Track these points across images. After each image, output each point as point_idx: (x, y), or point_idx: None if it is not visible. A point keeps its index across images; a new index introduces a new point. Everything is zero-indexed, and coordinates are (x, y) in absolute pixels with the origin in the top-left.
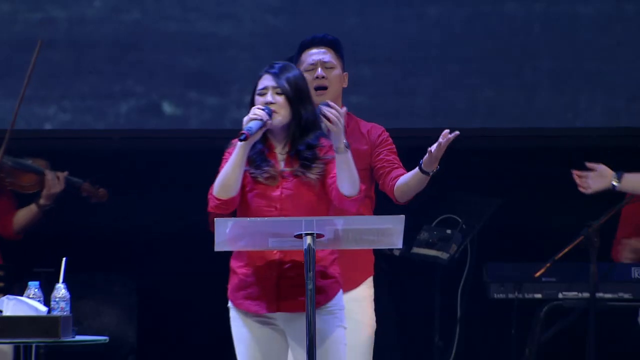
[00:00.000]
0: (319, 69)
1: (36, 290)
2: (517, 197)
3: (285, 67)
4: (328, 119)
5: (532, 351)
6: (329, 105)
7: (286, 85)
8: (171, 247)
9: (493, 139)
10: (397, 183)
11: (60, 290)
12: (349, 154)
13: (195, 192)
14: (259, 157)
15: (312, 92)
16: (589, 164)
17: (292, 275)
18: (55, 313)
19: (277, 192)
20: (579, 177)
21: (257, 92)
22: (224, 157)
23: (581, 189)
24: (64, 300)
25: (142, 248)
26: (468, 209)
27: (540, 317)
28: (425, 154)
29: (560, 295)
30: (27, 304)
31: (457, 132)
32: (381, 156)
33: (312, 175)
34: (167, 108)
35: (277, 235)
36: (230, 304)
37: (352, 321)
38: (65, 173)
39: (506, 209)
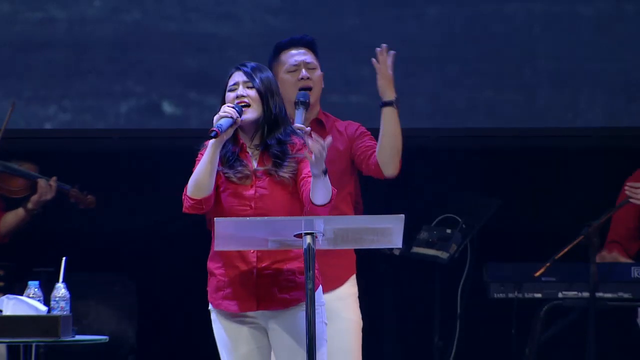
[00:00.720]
0: (303, 70)
1: (36, 289)
2: (517, 197)
3: (257, 66)
4: (310, 151)
5: (532, 351)
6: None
7: (257, 80)
8: (171, 247)
9: (493, 139)
10: (376, 152)
11: (60, 289)
12: (326, 177)
13: None
14: (231, 156)
15: (296, 92)
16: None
17: (270, 273)
18: (55, 313)
19: (251, 192)
20: (633, 188)
21: (228, 88)
22: (196, 158)
23: (633, 200)
24: (64, 300)
25: (142, 248)
26: (468, 209)
27: (540, 316)
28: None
29: (560, 295)
30: (27, 304)
31: (393, 52)
32: (361, 144)
33: (285, 174)
34: (167, 108)
35: (276, 235)
36: (210, 307)
37: (340, 319)
38: (55, 179)
39: (506, 209)
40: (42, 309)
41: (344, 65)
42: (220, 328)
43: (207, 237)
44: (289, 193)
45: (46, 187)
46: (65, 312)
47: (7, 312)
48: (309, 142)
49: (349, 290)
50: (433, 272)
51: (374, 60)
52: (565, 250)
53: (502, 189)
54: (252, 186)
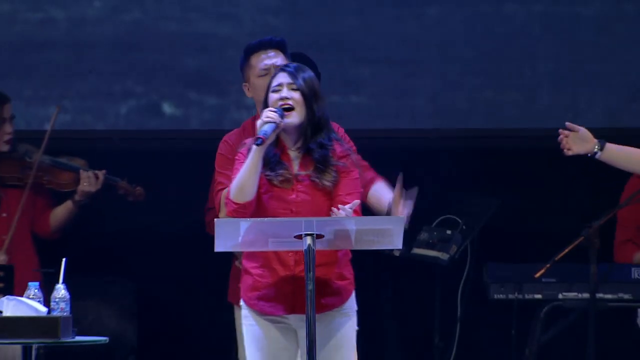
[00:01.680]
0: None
1: (36, 290)
2: (517, 197)
3: (300, 66)
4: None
5: (532, 351)
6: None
7: (301, 82)
8: (171, 248)
9: (493, 139)
10: (368, 198)
11: (60, 290)
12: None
13: (195, 193)
14: (273, 159)
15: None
16: (568, 124)
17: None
18: (55, 313)
19: (292, 195)
20: (564, 137)
21: (272, 89)
22: (237, 158)
23: (564, 149)
24: (63, 301)
25: (142, 248)
26: (468, 209)
27: (540, 317)
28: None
29: (560, 296)
30: (27, 305)
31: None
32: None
33: (327, 182)
34: (167, 108)
35: (277, 236)
36: (242, 304)
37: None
38: (104, 172)
39: (506, 209)
40: (42, 310)
41: (343, 65)
42: (251, 325)
43: (206, 237)
44: (329, 200)
45: (87, 178)
46: (65, 313)
47: (7, 313)
48: (335, 211)
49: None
50: (433, 273)
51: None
52: (566, 251)
53: (502, 189)
54: (293, 190)
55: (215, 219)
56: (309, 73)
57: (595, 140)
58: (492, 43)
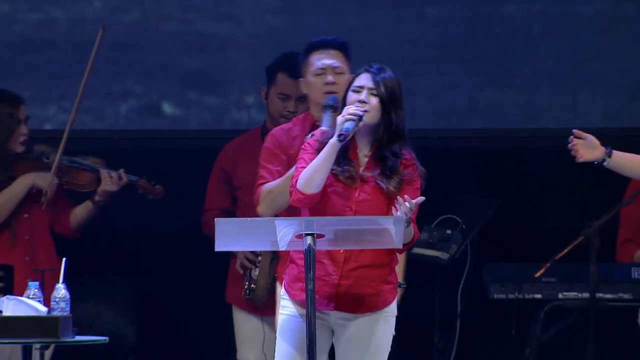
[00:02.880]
0: (329, 75)
1: (36, 290)
2: (517, 197)
3: (383, 69)
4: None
5: (532, 351)
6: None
7: (382, 88)
8: (171, 248)
9: (493, 139)
10: None
11: (60, 290)
12: (410, 226)
13: (195, 192)
14: (341, 154)
15: (322, 96)
16: (576, 131)
17: (354, 276)
18: (55, 313)
19: (355, 194)
20: (575, 144)
21: (353, 88)
22: (303, 147)
23: (575, 156)
24: (63, 301)
25: (142, 248)
26: (468, 209)
27: (540, 317)
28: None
29: (560, 296)
30: (27, 304)
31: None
32: None
33: (392, 187)
34: (167, 108)
35: (277, 236)
36: (283, 293)
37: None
38: (121, 170)
39: (506, 209)
40: (42, 309)
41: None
42: (289, 315)
43: (207, 237)
44: (388, 204)
45: (109, 178)
46: (65, 313)
47: (7, 312)
48: (400, 200)
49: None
50: (433, 272)
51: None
52: (566, 250)
53: (502, 189)
54: (356, 189)
55: (215, 219)
56: (392, 81)
57: (603, 148)
58: (492, 43)
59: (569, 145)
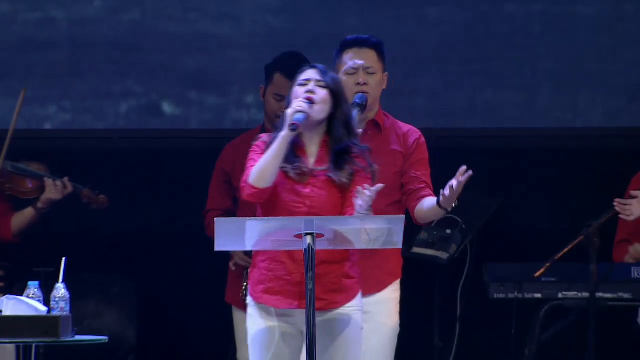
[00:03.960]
0: (361, 75)
1: (36, 290)
2: (517, 197)
3: (328, 68)
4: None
5: (532, 351)
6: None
7: (329, 81)
8: (171, 247)
9: (493, 139)
10: (416, 207)
11: (60, 290)
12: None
13: (195, 192)
14: (290, 152)
15: (352, 95)
16: (632, 192)
17: (316, 273)
18: (55, 313)
19: (307, 190)
20: (621, 205)
21: (299, 82)
22: (251, 150)
23: (623, 217)
24: (63, 300)
25: (142, 248)
26: (468, 209)
27: (540, 317)
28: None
29: (560, 295)
30: (26, 304)
31: (471, 172)
32: (410, 172)
33: (344, 179)
34: (167, 108)
35: (277, 235)
36: (249, 300)
37: (375, 323)
38: (66, 179)
39: (506, 209)
40: (42, 309)
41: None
42: (256, 322)
43: (206, 237)
44: (342, 197)
45: (54, 187)
46: (65, 313)
47: (6, 312)
48: (359, 189)
49: (391, 294)
50: (433, 272)
51: (443, 192)
52: (565, 250)
53: (502, 189)
54: (308, 184)
55: (215, 219)
56: (337, 77)
57: None
58: (492, 43)
59: (615, 208)
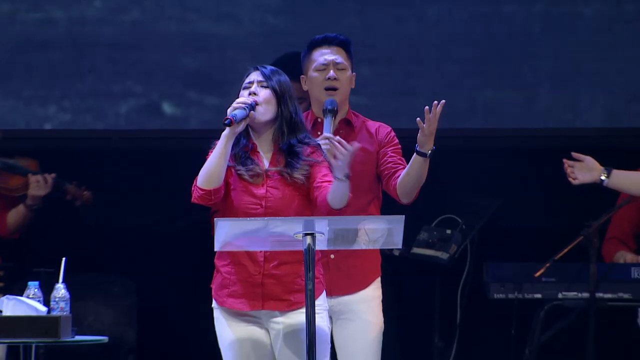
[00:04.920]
0: (331, 70)
1: (36, 290)
2: (517, 197)
3: (275, 70)
4: (334, 156)
5: (532, 351)
6: (336, 141)
7: (273, 81)
8: (171, 247)
9: (493, 139)
10: (398, 180)
11: (60, 290)
12: (347, 182)
13: None
14: (243, 154)
15: (322, 91)
16: (574, 154)
17: (277, 274)
18: (55, 313)
19: (262, 191)
20: (569, 166)
21: (243, 86)
22: (207, 155)
23: (570, 179)
24: (63, 300)
25: (142, 248)
26: (468, 209)
27: (540, 317)
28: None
29: (560, 295)
30: (26, 304)
31: (444, 101)
32: (386, 157)
33: (298, 176)
34: (167, 108)
35: (277, 235)
36: (214, 304)
37: (361, 321)
38: (53, 175)
39: (506, 209)
40: (42, 309)
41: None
42: (224, 326)
43: (206, 236)
44: (299, 195)
45: (36, 183)
46: (65, 313)
47: (6, 312)
48: (335, 144)
49: (373, 292)
50: (433, 272)
51: (419, 120)
52: (565, 250)
53: (502, 189)
54: (263, 185)
55: (215, 219)
56: (284, 77)
57: (601, 168)
58: (492, 43)
59: (564, 167)
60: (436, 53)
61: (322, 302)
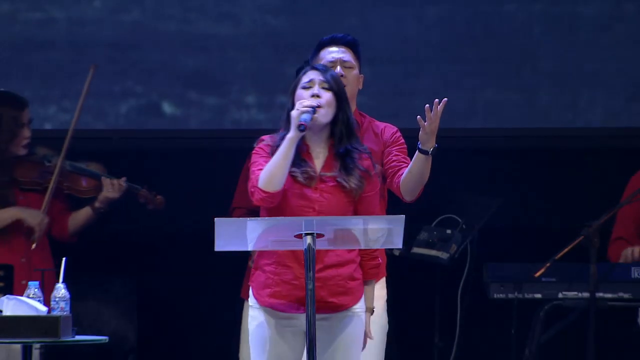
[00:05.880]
0: (338, 67)
1: (36, 290)
2: (517, 197)
3: (331, 70)
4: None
5: (532, 351)
6: None
7: (332, 82)
8: (171, 247)
9: (493, 139)
10: (401, 178)
11: (60, 290)
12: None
13: (195, 192)
14: (296, 156)
15: None
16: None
17: (321, 277)
18: (55, 313)
19: (315, 194)
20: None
21: (302, 85)
22: (255, 152)
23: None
24: (63, 300)
25: (142, 248)
26: (468, 209)
27: (540, 317)
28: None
29: (560, 295)
30: (27, 304)
31: (446, 99)
32: (390, 156)
33: (352, 184)
34: (167, 108)
35: (277, 235)
36: (252, 302)
37: None
38: (124, 179)
39: (506, 209)
40: (42, 309)
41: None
42: (260, 326)
43: (207, 237)
44: (349, 201)
45: (111, 186)
46: (65, 313)
47: (7, 312)
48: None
49: (379, 292)
50: (433, 272)
51: (419, 118)
52: (565, 250)
53: (502, 189)
54: (316, 189)
55: (215, 219)
56: (337, 75)
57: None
58: (492, 43)
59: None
60: (436, 53)
61: (362, 304)
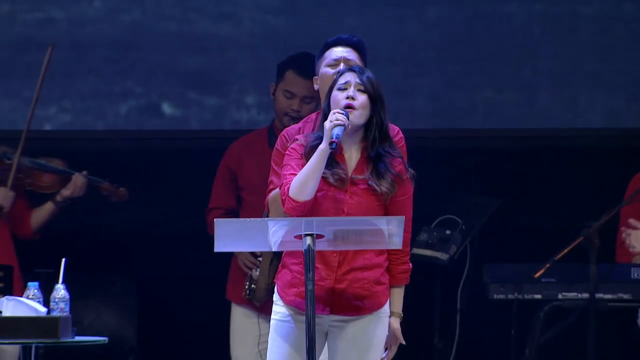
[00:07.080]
0: (342, 65)
1: (36, 290)
2: (517, 197)
3: (365, 68)
4: None
5: (532, 352)
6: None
7: (368, 84)
8: (171, 247)
9: (493, 139)
10: None
11: (60, 290)
12: None
13: (195, 192)
14: (329, 156)
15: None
16: (631, 221)
17: (348, 279)
18: (54, 314)
19: (346, 197)
20: (627, 235)
21: (338, 86)
22: (287, 153)
23: (630, 248)
24: (63, 301)
25: (142, 248)
26: (468, 209)
27: (540, 317)
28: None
29: (560, 296)
30: (26, 305)
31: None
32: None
33: (384, 189)
34: (167, 108)
35: (277, 236)
36: (277, 300)
37: None
38: (85, 172)
39: (506, 209)
40: (42, 310)
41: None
42: (282, 321)
43: (206, 237)
44: (379, 205)
45: (75, 180)
46: (64, 313)
47: (6, 313)
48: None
49: None
50: (433, 273)
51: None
52: (565, 251)
53: (502, 189)
54: (346, 191)
55: (215, 219)
56: (372, 75)
57: None
58: (492, 43)
59: (622, 236)
60: (436, 53)
61: (386, 309)
